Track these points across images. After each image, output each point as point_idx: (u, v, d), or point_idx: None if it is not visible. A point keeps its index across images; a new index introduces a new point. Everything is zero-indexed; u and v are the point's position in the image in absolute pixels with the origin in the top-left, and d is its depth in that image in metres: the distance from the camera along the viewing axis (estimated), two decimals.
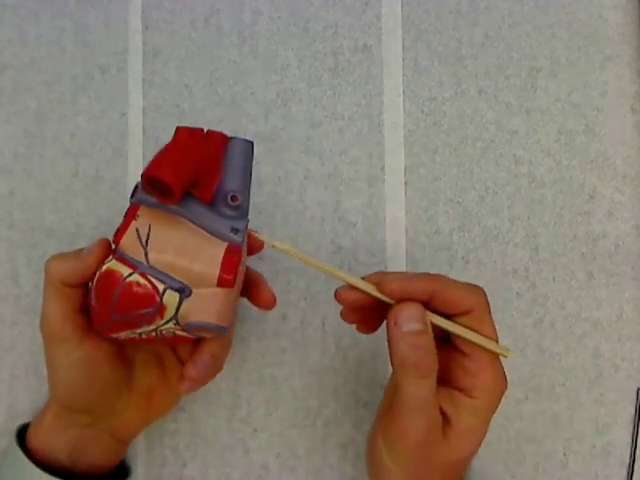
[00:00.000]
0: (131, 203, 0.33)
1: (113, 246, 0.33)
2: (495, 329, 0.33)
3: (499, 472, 0.42)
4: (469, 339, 0.32)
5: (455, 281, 0.33)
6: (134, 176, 0.45)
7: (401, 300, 0.32)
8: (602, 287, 0.42)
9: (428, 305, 0.32)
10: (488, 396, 0.33)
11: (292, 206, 0.44)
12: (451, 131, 0.44)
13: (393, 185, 0.44)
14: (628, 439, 0.41)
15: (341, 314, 0.35)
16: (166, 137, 0.45)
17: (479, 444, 0.33)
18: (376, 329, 0.36)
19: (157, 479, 0.43)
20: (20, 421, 0.41)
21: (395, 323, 0.31)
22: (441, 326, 0.32)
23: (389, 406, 0.34)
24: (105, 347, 0.36)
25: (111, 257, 0.33)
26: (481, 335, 0.32)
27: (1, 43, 0.46)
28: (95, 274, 0.34)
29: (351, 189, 0.44)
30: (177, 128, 0.33)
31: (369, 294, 0.33)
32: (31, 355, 0.44)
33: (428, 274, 0.33)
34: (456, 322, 0.32)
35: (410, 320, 0.31)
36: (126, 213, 0.33)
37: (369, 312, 0.35)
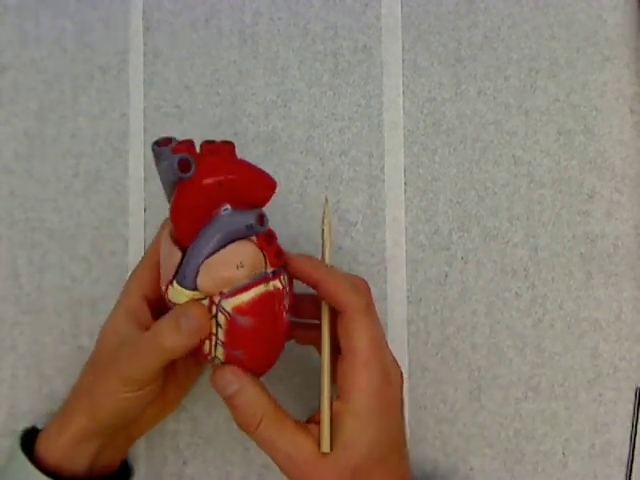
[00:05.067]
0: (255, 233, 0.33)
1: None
2: (374, 330, 0.33)
3: (498, 471, 0.42)
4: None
5: (338, 275, 0.34)
6: (134, 176, 0.45)
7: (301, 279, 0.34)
8: (601, 287, 0.42)
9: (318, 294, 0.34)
10: (364, 398, 0.33)
11: (292, 206, 0.44)
12: (451, 131, 0.44)
13: (393, 185, 0.44)
14: (627, 438, 0.42)
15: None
16: None
17: (369, 446, 0.33)
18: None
19: (158, 478, 0.43)
20: (20, 421, 0.41)
21: (220, 393, 0.34)
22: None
23: None
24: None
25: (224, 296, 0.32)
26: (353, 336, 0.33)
27: (2, 43, 0.47)
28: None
29: (351, 189, 0.44)
30: (230, 146, 0.33)
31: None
32: (32, 355, 0.44)
33: (319, 262, 0.35)
34: (338, 316, 0.34)
35: (224, 386, 0.33)
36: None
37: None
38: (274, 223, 0.43)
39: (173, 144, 0.32)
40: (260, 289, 0.32)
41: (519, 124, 0.43)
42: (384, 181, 0.44)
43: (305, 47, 0.45)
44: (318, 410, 0.34)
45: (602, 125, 0.43)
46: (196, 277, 0.32)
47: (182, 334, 0.33)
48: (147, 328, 0.35)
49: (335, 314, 0.34)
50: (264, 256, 0.33)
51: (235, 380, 0.33)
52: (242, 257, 0.32)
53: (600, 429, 0.42)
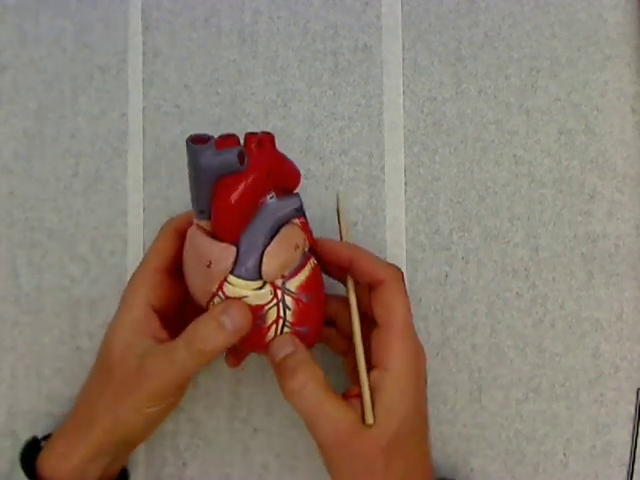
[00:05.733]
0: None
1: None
2: (407, 303, 0.35)
3: (499, 472, 0.42)
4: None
5: (372, 254, 0.36)
6: (133, 176, 0.45)
7: (332, 261, 0.36)
8: (602, 287, 0.42)
9: (350, 271, 0.36)
10: (402, 365, 0.34)
11: None
12: (451, 131, 0.44)
13: (393, 185, 0.44)
14: (628, 439, 0.41)
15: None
16: (166, 137, 0.45)
17: (405, 419, 0.33)
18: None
19: (157, 479, 0.43)
20: (20, 421, 0.40)
21: (273, 358, 0.34)
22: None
23: None
24: None
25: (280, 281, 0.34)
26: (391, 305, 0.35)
27: (1, 43, 0.46)
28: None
29: (351, 189, 0.44)
30: (272, 137, 0.34)
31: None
32: (31, 355, 0.44)
33: (350, 244, 0.37)
34: (372, 294, 0.35)
35: (279, 349, 0.34)
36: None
37: None
38: None
39: (213, 140, 0.32)
40: (311, 265, 0.35)
41: (520, 123, 0.43)
42: (384, 181, 0.44)
43: (305, 46, 0.45)
44: (353, 385, 0.35)
45: (603, 125, 0.43)
46: (260, 266, 0.32)
47: (227, 333, 0.33)
48: (159, 338, 0.35)
49: (366, 290, 0.36)
50: (304, 236, 0.35)
51: (291, 343, 0.34)
52: (296, 239, 0.34)
53: (601, 430, 0.42)
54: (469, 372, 0.42)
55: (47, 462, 0.36)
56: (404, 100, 0.44)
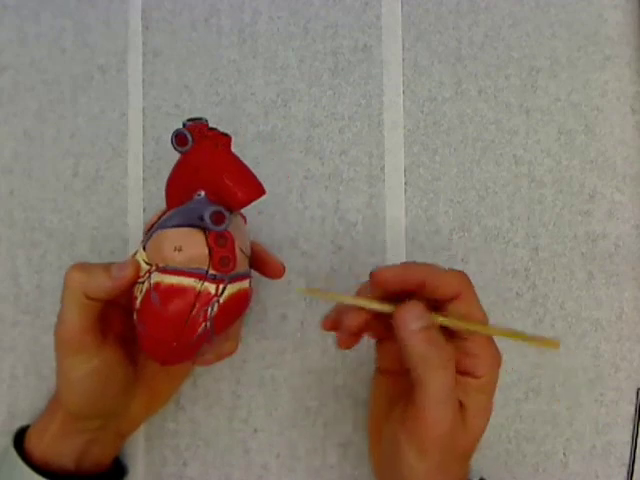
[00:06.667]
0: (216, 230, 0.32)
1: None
2: (483, 310, 0.34)
3: (499, 472, 0.42)
4: (501, 334, 0.34)
5: (440, 267, 0.34)
6: (133, 176, 0.45)
7: (396, 291, 0.33)
8: (602, 287, 0.42)
9: (419, 294, 0.33)
10: (491, 372, 0.34)
11: (292, 206, 0.44)
12: (451, 131, 0.44)
13: (393, 185, 0.44)
14: (628, 439, 0.41)
15: (339, 342, 0.36)
16: (166, 137, 0.45)
17: (488, 422, 0.34)
18: (356, 343, 0.36)
19: (157, 479, 0.43)
20: (20, 420, 0.41)
21: (404, 323, 0.32)
22: (456, 327, 0.34)
23: (390, 403, 0.35)
24: (119, 350, 0.36)
25: (153, 273, 0.33)
26: (474, 320, 0.34)
27: (1, 43, 0.46)
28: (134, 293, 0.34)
29: (351, 189, 0.44)
30: (225, 139, 0.34)
31: (370, 308, 0.34)
32: (31, 355, 0.44)
33: (415, 263, 0.34)
34: (447, 309, 0.34)
35: (418, 318, 0.32)
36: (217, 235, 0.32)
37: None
38: (274, 223, 0.44)
39: (190, 122, 0.33)
40: (187, 281, 0.31)
41: (520, 123, 0.43)
42: (384, 181, 0.44)
43: (305, 46, 0.45)
44: None
45: (603, 124, 0.43)
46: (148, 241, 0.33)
47: (110, 278, 0.34)
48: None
49: (440, 303, 0.34)
50: (209, 255, 0.31)
51: (427, 314, 0.33)
52: (183, 242, 0.32)
53: (601, 429, 0.41)
54: None
55: (31, 438, 0.38)
56: (404, 100, 0.44)
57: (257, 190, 0.32)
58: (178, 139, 0.33)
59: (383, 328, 0.37)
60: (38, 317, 0.45)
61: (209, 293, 0.31)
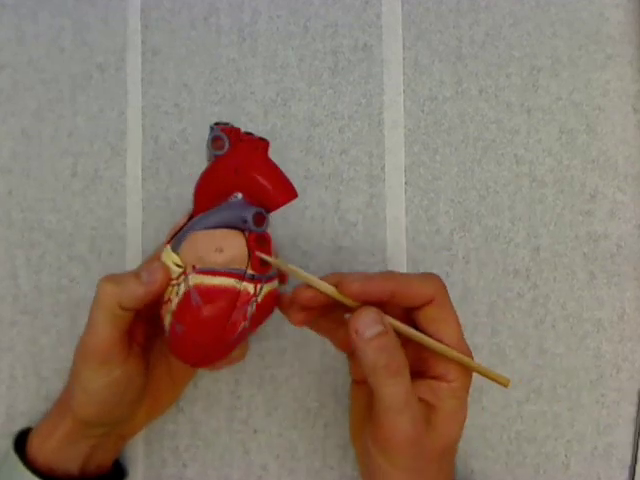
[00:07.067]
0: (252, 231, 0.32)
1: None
2: (456, 314, 0.34)
3: (500, 473, 0.42)
4: (446, 354, 0.33)
5: (410, 274, 0.34)
6: (132, 176, 0.45)
7: (363, 301, 0.32)
8: (604, 287, 0.42)
9: (390, 303, 0.33)
10: (462, 377, 0.33)
11: (292, 206, 0.44)
12: (452, 130, 0.43)
13: (393, 185, 0.43)
14: (630, 440, 0.41)
15: (290, 318, 0.35)
16: (165, 136, 0.45)
17: (463, 426, 0.34)
18: (309, 322, 0.36)
19: None
20: (19, 422, 0.40)
21: (357, 332, 0.32)
22: (412, 337, 0.33)
23: (367, 412, 0.35)
24: (141, 361, 0.36)
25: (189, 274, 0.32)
26: (443, 342, 0.33)
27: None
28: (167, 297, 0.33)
29: (351, 189, 0.44)
30: (263, 143, 0.34)
31: (330, 296, 0.33)
32: (30, 356, 0.44)
33: (383, 273, 0.33)
34: (420, 314, 0.33)
35: (370, 325, 0.32)
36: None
37: (333, 323, 0.36)
38: (274, 223, 0.43)
39: (222, 126, 0.33)
40: (228, 281, 0.32)
41: (521, 123, 0.43)
42: (384, 180, 0.43)
43: (305, 45, 0.44)
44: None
45: (605, 124, 0.43)
46: (181, 243, 0.33)
47: (142, 284, 0.33)
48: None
49: (412, 310, 0.34)
50: (249, 255, 0.32)
51: (382, 320, 0.32)
52: (224, 243, 0.32)
53: (603, 431, 0.41)
54: None
55: (33, 442, 0.38)
56: (404, 99, 0.44)
57: (292, 192, 0.34)
58: (215, 142, 0.33)
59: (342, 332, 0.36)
60: (37, 317, 0.44)
61: (248, 293, 0.32)
